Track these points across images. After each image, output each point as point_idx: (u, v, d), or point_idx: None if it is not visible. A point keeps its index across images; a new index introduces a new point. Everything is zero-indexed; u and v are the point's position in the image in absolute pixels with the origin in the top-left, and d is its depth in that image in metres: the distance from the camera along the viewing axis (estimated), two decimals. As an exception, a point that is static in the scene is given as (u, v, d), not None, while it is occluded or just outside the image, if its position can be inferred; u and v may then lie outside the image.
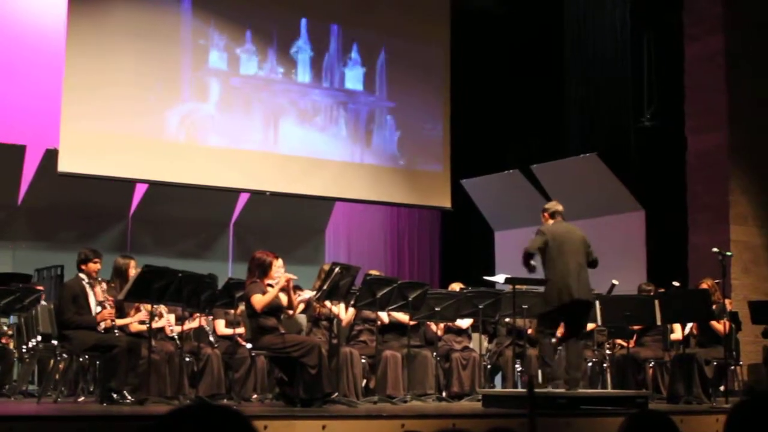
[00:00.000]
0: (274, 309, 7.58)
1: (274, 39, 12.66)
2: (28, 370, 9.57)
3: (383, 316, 9.04)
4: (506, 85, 15.04)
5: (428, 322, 9.47)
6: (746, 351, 10.28)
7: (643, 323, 9.27)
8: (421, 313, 8.81)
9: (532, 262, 7.94)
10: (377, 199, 13.51)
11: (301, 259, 12.93)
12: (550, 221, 8.11)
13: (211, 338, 8.79)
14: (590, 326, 9.79)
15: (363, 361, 8.76)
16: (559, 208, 8.18)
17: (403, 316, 9.01)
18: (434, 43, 13.76)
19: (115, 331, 7.73)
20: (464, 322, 9.65)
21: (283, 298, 7.60)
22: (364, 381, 8.85)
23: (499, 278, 9.26)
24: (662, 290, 9.48)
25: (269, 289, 7.53)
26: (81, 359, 8.11)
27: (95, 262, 7.82)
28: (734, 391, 9.53)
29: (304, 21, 12.88)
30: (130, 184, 12.53)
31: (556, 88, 14.74)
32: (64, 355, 8.03)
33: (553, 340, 8.13)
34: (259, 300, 7.39)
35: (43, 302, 9.39)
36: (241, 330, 8.61)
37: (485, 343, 10.01)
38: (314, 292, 8.16)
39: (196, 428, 2.16)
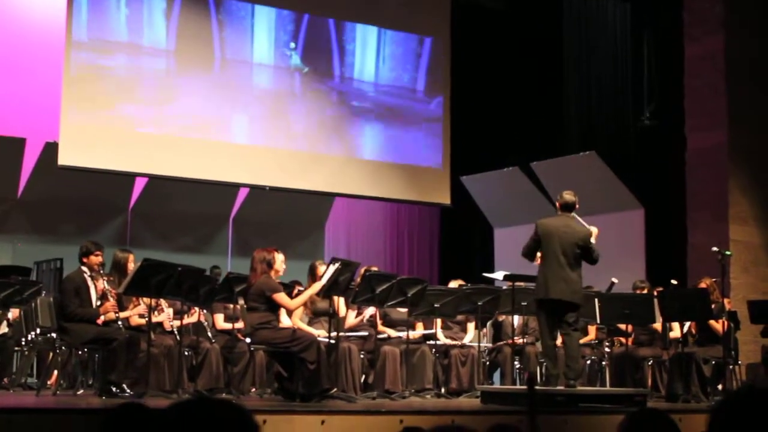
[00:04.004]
0: (274, 305, 7.61)
1: (274, 34, 12.66)
2: (27, 363, 9.58)
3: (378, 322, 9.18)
4: (506, 82, 15.04)
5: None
6: (745, 350, 10.29)
7: (641, 322, 9.26)
8: (420, 309, 8.81)
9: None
10: (377, 195, 13.49)
11: (301, 255, 12.92)
12: (560, 212, 8.12)
13: (209, 333, 8.79)
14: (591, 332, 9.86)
15: (362, 356, 8.77)
16: (569, 199, 8.09)
17: (395, 333, 9.10)
18: (434, 39, 13.76)
19: (119, 323, 7.73)
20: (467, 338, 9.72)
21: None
22: (363, 376, 8.86)
23: (498, 275, 9.28)
24: (660, 288, 9.49)
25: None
26: (80, 352, 8.12)
27: (97, 255, 7.82)
28: (732, 390, 9.54)
29: (306, 16, 12.86)
30: (129, 177, 12.52)
31: (556, 85, 14.74)
32: (64, 348, 8.04)
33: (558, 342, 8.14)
34: (290, 302, 7.72)
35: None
36: (240, 325, 8.61)
37: (484, 340, 10.02)
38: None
39: (199, 422, 2.16)
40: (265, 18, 12.58)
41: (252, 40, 12.50)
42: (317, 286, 7.84)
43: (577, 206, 8.13)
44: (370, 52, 13.32)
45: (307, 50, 12.83)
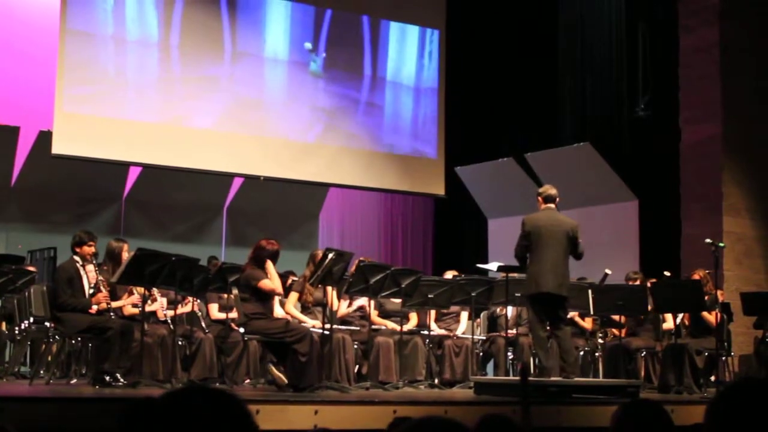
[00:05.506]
0: (263, 295, 7.60)
1: (289, 28, 12.63)
2: (21, 352, 9.56)
3: (373, 314, 9.16)
4: (501, 73, 15.03)
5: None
6: (738, 342, 10.30)
7: (635, 313, 9.28)
8: (414, 300, 8.81)
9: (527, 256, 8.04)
10: (371, 185, 13.50)
11: (295, 245, 12.93)
12: (543, 206, 8.11)
13: (203, 323, 8.78)
14: (589, 321, 9.88)
15: (355, 346, 8.77)
16: (552, 192, 8.12)
17: (394, 325, 9.07)
18: (430, 30, 13.75)
19: (111, 313, 7.72)
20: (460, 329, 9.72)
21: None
22: (357, 366, 8.86)
23: (492, 266, 9.27)
24: (653, 280, 9.49)
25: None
26: (74, 341, 8.10)
27: (90, 245, 7.79)
28: (725, 381, 9.56)
29: (299, 6, 12.85)
30: (124, 167, 12.51)
31: (551, 77, 14.73)
32: (57, 337, 8.02)
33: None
34: (275, 285, 7.58)
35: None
36: (234, 314, 8.60)
37: (478, 331, 10.03)
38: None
39: (192, 411, 2.16)
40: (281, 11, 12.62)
41: (264, 33, 12.50)
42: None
43: (558, 199, 8.16)
44: (365, 44, 13.31)
45: (304, 42, 12.81)
